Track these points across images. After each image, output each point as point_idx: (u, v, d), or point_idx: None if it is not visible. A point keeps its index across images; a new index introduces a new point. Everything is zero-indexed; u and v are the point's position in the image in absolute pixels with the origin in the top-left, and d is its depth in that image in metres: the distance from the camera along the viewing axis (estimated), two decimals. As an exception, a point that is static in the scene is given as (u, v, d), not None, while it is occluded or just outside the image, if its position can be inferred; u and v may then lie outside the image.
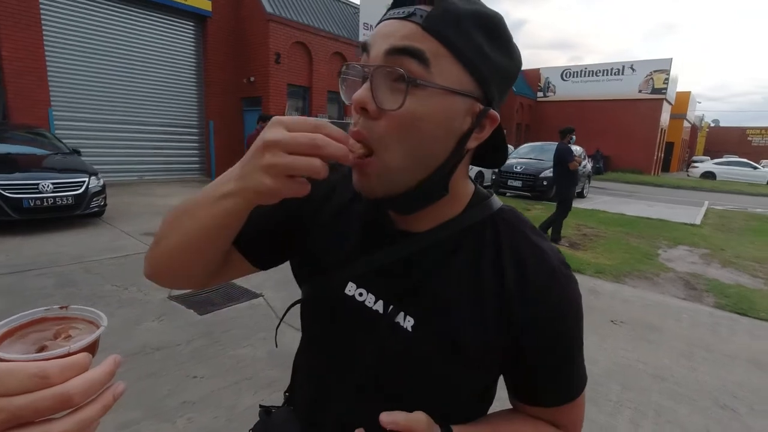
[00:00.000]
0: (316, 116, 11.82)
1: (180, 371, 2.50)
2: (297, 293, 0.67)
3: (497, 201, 0.60)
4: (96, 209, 5.61)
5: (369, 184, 0.50)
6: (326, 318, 0.61)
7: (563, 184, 6.32)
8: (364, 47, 0.49)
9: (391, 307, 0.56)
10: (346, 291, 0.58)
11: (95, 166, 6.13)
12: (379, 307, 0.57)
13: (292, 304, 0.67)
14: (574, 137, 6.21)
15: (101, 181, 5.74)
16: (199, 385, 2.38)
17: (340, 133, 0.42)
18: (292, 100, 11.42)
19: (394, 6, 0.50)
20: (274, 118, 0.43)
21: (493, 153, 0.58)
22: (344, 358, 0.59)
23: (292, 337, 0.82)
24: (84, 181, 5.45)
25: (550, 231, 6.28)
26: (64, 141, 6.64)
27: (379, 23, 0.50)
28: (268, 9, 10.44)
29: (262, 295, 3.62)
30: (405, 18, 0.47)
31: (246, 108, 11.65)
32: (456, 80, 0.47)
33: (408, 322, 0.55)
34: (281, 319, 0.72)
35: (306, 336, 0.68)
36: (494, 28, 0.49)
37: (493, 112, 0.50)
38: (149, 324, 3.04)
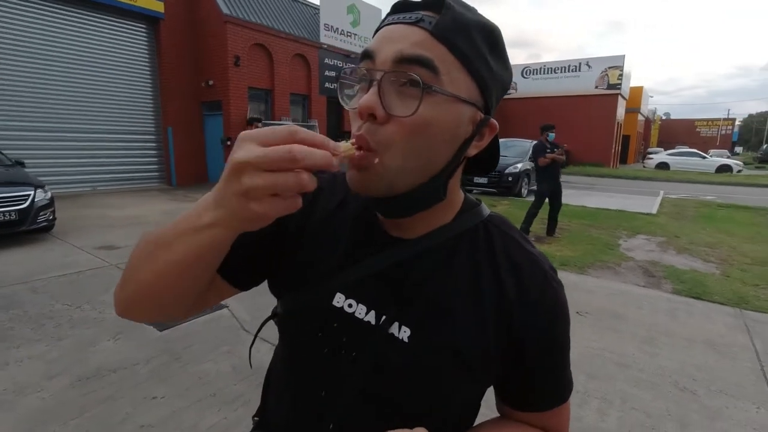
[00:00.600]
0: (280, 119, 11.61)
1: (138, 393, 2.36)
2: (263, 302, 0.64)
3: (486, 208, 0.61)
4: (44, 224, 5.28)
5: (367, 182, 0.48)
6: (312, 332, 0.57)
7: (537, 179, 6.66)
8: (367, 54, 0.48)
9: (384, 317, 0.54)
10: (334, 302, 0.56)
11: (42, 178, 5.77)
12: (371, 318, 0.54)
13: (267, 319, 0.64)
14: (551, 134, 6.39)
15: (49, 194, 5.40)
16: (159, 407, 2.25)
17: (318, 137, 0.38)
18: (253, 103, 11.17)
19: (396, 11, 0.50)
20: (240, 134, 0.38)
21: (488, 160, 0.59)
22: (334, 375, 0.56)
23: (256, 349, 0.77)
24: (29, 195, 5.11)
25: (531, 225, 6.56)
26: (4, 152, 6.21)
27: (380, 27, 0.50)
28: (225, 10, 10.17)
29: (227, 306, 3.49)
30: (413, 23, 0.46)
31: (206, 113, 11.31)
32: (463, 88, 0.47)
33: (404, 333, 0.53)
34: (255, 337, 0.68)
35: (287, 352, 0.63)
36: (495, 40, 0.50)
37: (493, 121, 0.52)
38: (105, 344, 2.86)
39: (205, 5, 10.51)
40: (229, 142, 10.63)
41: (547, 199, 6.45)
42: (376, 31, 0.51)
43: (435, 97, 0.45)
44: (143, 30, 10.24)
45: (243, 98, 10.75)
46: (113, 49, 9.73)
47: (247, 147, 0.36)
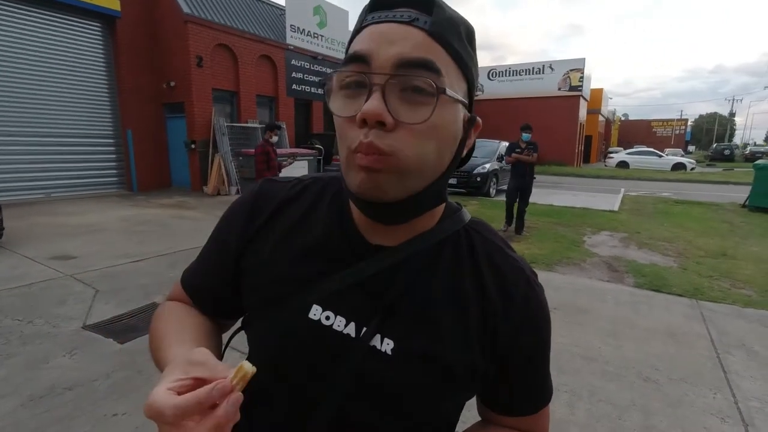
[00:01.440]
0: (246, 122, 11.38)
1: (97, 410, 2.24)
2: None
3: (467, 213, 0.60)
4: (-8, 234, 4.96)
5: (381, 184, 0.45)
6: (287, 348, 0.53)
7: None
8: (359, 56, 0.44)
9: (365, 329, 0.51)
10: (311, 315, 0.52)
11: (-11, 186, 5.40)
12: (350, 330, 0.52)
13: (237, 330, 0.62)
14: (524, 134, 6.49)
15: (-4, 202, 5.08)
16: (120, 424, 2.14)
17: (200, 395, 0.37)
18: (218, 105, 10.89)
19: (378, 8, 0.47)
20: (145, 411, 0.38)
21: (463, 158, 0.57)
22: (312, 391, 0.52)
23: (224, 359, 0.73)
24: (-27, 204, 4.78)
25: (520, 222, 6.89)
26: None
27: (365, 25, 0.46)
28: (186, 9, 9.87)
29: (193, 315, 3.36)
30: (408, 23, 0.44)
31: (169, 115, 10.94)
32: (458, 88, 0.47)
33: (387, 345, 0.51)
34: (225, 348, 0.65)
35: (258, 366, 0.58)
36: (472, 38, 0.50)
37: (479, 119, 0.52)
38: (59, 360, 2.70)
39: (164, 4, 10.17)
40: (193, 145, 10.31)
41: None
42: (359, 29, 0.48)
43: (443, 101, 0.44)
44: (98, 29, 9.80)
45: (207, 100, 10.46)
46: (66, 49, 9.26)
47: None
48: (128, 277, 4.23)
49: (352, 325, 0.52)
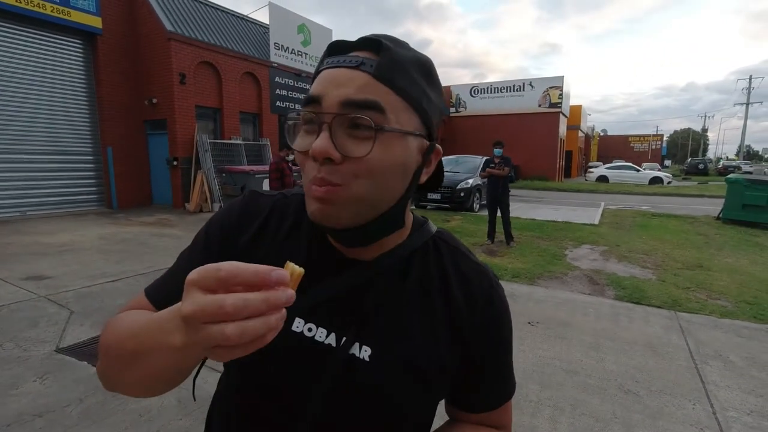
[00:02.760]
0: (230, 138, 11.33)
1: (68, 437, 2.15)
2: None
3: (433, 225, 0.65)
4: (-38, 254, 4.79)
5: (335, 213, 0.49)
6: (270, 360, 0.54)
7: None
8: (312, 98, 0.49)
9: (345, 339, 0.54)
10: (293, 328, 0.55)
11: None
12: (331, 340, 0.55)
13: None
14: (496, 150, 6.92)
15: (-32, 222, 4.92)
16: (92, 451, 2.06)
17: (260, 273, 0.34)
18: (201, 122, 10.84)
19: (333, 53, 0.52)
20: (187, 278, 0.35)
21: (433, 179, 0.62)
22: (295, 401, 0.55)
23: (203, 379, 0.71)
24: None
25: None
26: None
27: (320, 70, 0.51)
28: (169, 27, 9.88)
29: (171, 336, 3.28)
30: (355, 67, 0.48)
31: (150, 131, 10.83)
32: (408, 122, 0.50)
33: (365, 352, 0.54)
34: (200, 367, 0.62)
35: (240, 382, 0.59)
36: (430, 72, 0.54)
37: (438, 147, 0.56)
38: (29, 385, 2.59)
39: (147, 22, 10.16)
40: (175, 162, 10.20)
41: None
42: (316, 73, 0.52)
43: (385, 135, 0.48)
44: (79, 46, 9.71)
45: (190, 117, 10.40)
46: (44, 66, 9.13)
47: (191, 296, 0.34)
48: (105, 298, 4.12)
49: (333, 335, 0.55)
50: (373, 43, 0.50)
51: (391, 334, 0.55)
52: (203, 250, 0.61)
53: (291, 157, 6.09)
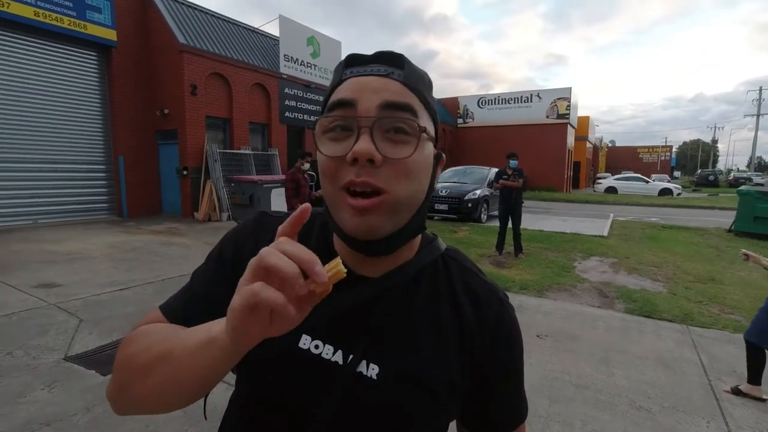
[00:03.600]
0: (239, 148, 11.45)
1: (74, 447, 2.15)
2: None
3: (442, 242, 0.65)
4: (-25, 262, 4.85)
5: (380, 223, 0.50)
6: (278, 377, 0.55)
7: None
8: (346, 102, 0.50)
9: (352, 356, 0.54)
10: (300, 345, 0.55)
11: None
12: (338, 358, 0.54)
13: None
14: (511, 161, 6.99)
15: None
16: (98, 461, 2.06)
17: (302, 256, 0.38)
18: (211, 132, 10.97)
19: (354, 63, 0.54)
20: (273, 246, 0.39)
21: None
22: (301, 419, 0.54)
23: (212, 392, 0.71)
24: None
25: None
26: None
27: (344, 78, 0.53)
28: (182, 40, 10.07)
29: (178, 345, 3.29)
30: (385, 76, 0.51)
31: (161, 141, 10.98)
32: (430, 129, 0.53)
33: (372, 370, 0.54)
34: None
35: (249, 400, 0.60)
36: (431, 87, 0.58)
37: (443, 155, 0.59)
38: (37, 393, 2.61)
39: (160, 34, 10.37)
40: (185, 172, 10.32)
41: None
42: (337, 83, 0.53)
43: (422, 140, 0.51)
44: (94, 58, 9.92)
45: (200, 127, 10.54)
46: (60, 77, 9.33)
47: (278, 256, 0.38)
48: (114, 306, 4.14)
49: (340, 352, 0.55)
50: (393, 56, 0.53)
51: (399, 352, 0.55)
52: (218, 266, 0.62)
53: (306, 167, 6.01)
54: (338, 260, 0.40)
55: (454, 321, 0.57)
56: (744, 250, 3.05)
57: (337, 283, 0.55)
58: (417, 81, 0.53)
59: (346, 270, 0.40)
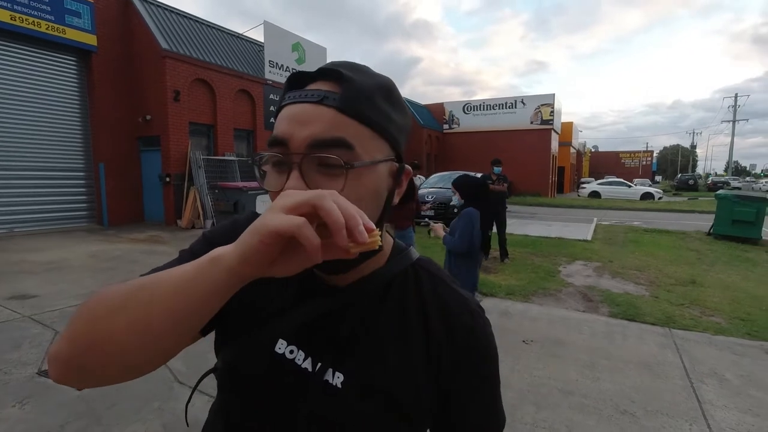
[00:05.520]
0: (224, 155, 11.32)
1: (46, 466, 2.06)
2: (200, 350, 0.61)
3: (415, 252, 0.64)
4: (-55, 273, 4.68)
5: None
6: (255, 382, 0.56)
7: None
8: (278, 140, 0.49)
9: (320, 364, 0.54)
10: (276, 349, 0.56)
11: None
12: (308, 365, 0.55)
13: (207, 373, 0.61)
14: (496, 168, 7.15)
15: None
16: (71, 481, 1.98)
17: (349, 211, 0.38)
18: (195, 138, 10.83)
19: (293, 87, 0.52)
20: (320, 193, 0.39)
21: (405, 197, 0.61)
22: (277, 426, 0.55)
23: (191, 403, 0.69)
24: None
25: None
26: None
27: (284, 104, 0.51)
28: (164, 45, 9.95)
29: (158, 357, 3.20)
30: (318, 102, 0.48)
31: (144, 148, 10.80)
32: (376, 150, 0.50)
33: (337, 379, 0.54)
34: (193, 391, 0.64)
35: (227, 404, 0.60)
36: (392, 94, 0.54)
37: (407, 167, 0.56)
38: (8, 411, 2.50)
39: (142, 40, 10.23)
40: (168, 179, 10.16)
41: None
42: (279, 109, 0.52)
43: (356, 170, 0.48)
44: (73, 63, 9.73)
45: (183, 133, 10.40)
46: (38, 82, 9.13)
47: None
48: (91, 317, 4.02)
49: (309, 360, 0.55)
50: (333, 74, 0.50)
51: (364, 362, 0.54)
52: (209, 248, 0.59)
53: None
54: (378, 232, 0.40)
55: (422, 332, 0.56)
56: (430, 223, 3.44)
57: (308, 291, 0.56)
58: (358, 101, 0.49)
59: (381, 245, 0.40)
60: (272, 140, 0.50)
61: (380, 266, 0.59)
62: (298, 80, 0.52)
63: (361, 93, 0.49)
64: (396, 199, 0.57)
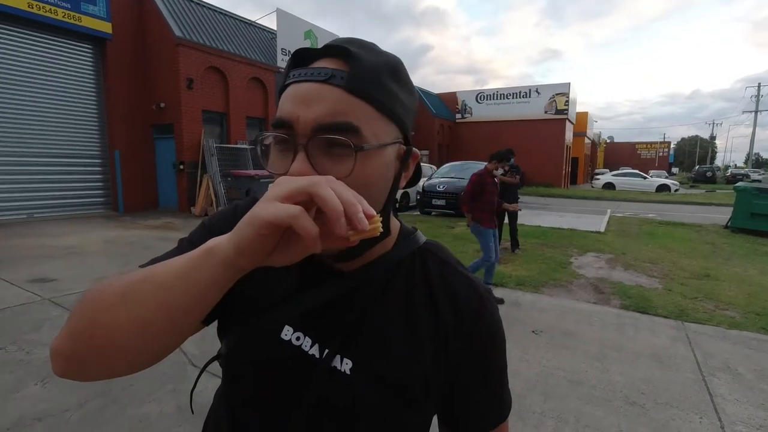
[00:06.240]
0: (236, 143, 11.39)
1: (66, 443, 2.14)
2: (213, 333, 0.60)
3: (422, 236, 0.63)
4: (-32, 256, 4.83)
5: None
6: (260, 369, 0.55)
7: None
8: (282, 121, 0.47)
9: (327, 350, 0.54)
10: (282, 335, 0.55)
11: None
12: (315, 351, 0.54)
13: (212, 360, 0.60)
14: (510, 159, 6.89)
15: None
16: (90, 457, 2.05)
17: (347, 197, 0.38)
18: (208, 126, 10.91)
19: (298, 64, 0.49)
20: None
21: (411, 177, 0.60)
22: (281, 413, 0.54)
23: (203, 385, 0.71)
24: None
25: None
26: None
27: (288, 83, 0.49)
28: (177, 33, 9.98)
29: (173, 340, 3.28)
30: (324, 81, 0.46)
31: (157, 136, 10.92)
32: (384, 132, 0.49)
33: (346, 365, 0.53)
34: (198, 378, 0.63)
35: (232, 392, 0.60)
36: (399, 73, 0.51)
37: (415, 150, 0.55)
38: (30, 389, 2.60)
39: (156, 27, 10.28)
40: (181, 166, 10.27)
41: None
42: (284, 87, 0.50)
43: (364, 153, 0.46)
44: (89, 51, 9.83)
45: (196, 121, 10.48)
46: (55, 70, 9.25)
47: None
48: (108, 301, 4.12)
49: (317, 346, 0.54)
50: (340, 51, 0.48)
51: (372, 348, 0.54)
52: (210, 235, 0.60)
53: (499, 171, 4.96)
54: (379, 218, 0.39)
55: (430, 317, 0.56)
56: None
57: (315, 276, 0.56)
58: (365, 80, 0.47)
59: (382, 230, 0.39)
60: (277, 121, 0.48)
61: (387, 250, 0.58)
62: (304, 57, 0.50)
63: (369, 72, 0.47)
64: (402, 183, 0.55)
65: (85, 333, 0.43)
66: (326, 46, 0.49)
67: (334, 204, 0.35)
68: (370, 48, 0.51)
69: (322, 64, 0.48)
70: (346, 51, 0.47)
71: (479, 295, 0.58)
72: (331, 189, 0.36)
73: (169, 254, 0.57)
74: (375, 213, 0.38)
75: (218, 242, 0.40)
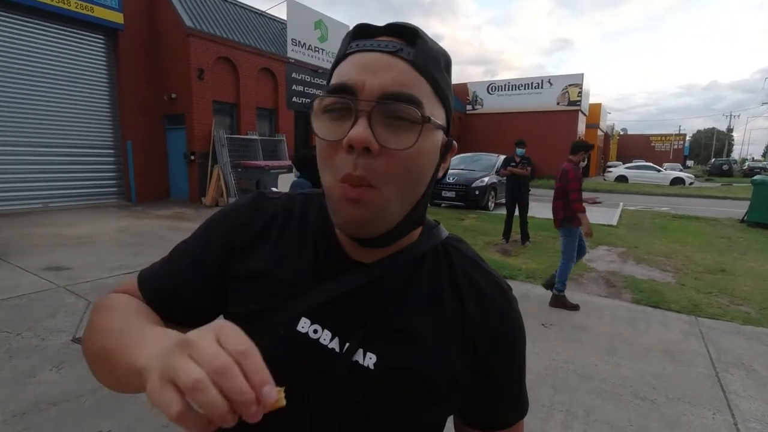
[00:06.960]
0: (246, 134, 11.42)
1: (81, 427, 2.19)
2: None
3: (444, 229, 0.62)
4: (-15, 244, 4.92)
5: (365, 222, 0.47)
6: (275, 361, 0.50)
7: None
8: (346, 86, 0.46)
9: (348, 344, 0.52)
10: (299, 328, 0.53)
11: (-15, 195, 5.38)
12: (335, 345, 0.52)
13: None
14: (517, 149, 6.90)
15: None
16: (103, 442, 2.09)
17: (258, 375, 0.33)
18: (218, 116, 10.94)
19: (361, 36, 0.49)
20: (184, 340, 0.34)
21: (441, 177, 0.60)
22: (296, 406, 0.50)
23: None
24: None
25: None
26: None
27: (350, 52, 0.48)
28: (188, 23, 9.99)
29: (184, 329, 3.32)
30: (392, 53, 0.46)
31: (169, 126, 10.99)
32: (437, 115, 0.49)
33: (369, 360, 0.52)
34: None
35: None
36: (449, 67, 0.53)
37: (455, 144, 0.55)
38: (46, 374, 2.65)
39: (167, 17, 10.29)
40: (192, 157, 10.34)
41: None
42: (344, 55, 0.49)
43: (426, 127, 0.46)
44: (101, 41, 9.89)
45: (207, 112, 10.52)
46: (68, 60, 9.33)
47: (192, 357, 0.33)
48: (121, 289, 4.18)
49: (336, 339, 0.52)
50: (406, 31, 0.48)
51: (397, 342, 0.52)
52: (203, 247, 0.59)
53: (583, 165, 4.50)
54: (282, 389, 0.35)
55: (457, 313, 0.55)
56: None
57: (335, 268, 0.54)
58: (429, 61, 0.48)
59: (285, 403, 0.35)
60: (337, 87, 0.47)
61: (411, 242, 0.56)
62: (367, 31, 0.50)
63: (431, 53, 0.48)
64: (440, 174, 0.54)
65: (91, 365, 0.52)
66: (390, 24, 0.49)
67: (239, 389, 0.32)
68: (427, 36, 0.51)
69: (388, 39, 0.48)
70: (412, 31, 0.48)
71: (504, 293, 0.58)
72: (237, 365, 0.33)
73: (162, 265, 0.61)
74: (270, 379, 0.34)
75: (152, 366, 0.35)
